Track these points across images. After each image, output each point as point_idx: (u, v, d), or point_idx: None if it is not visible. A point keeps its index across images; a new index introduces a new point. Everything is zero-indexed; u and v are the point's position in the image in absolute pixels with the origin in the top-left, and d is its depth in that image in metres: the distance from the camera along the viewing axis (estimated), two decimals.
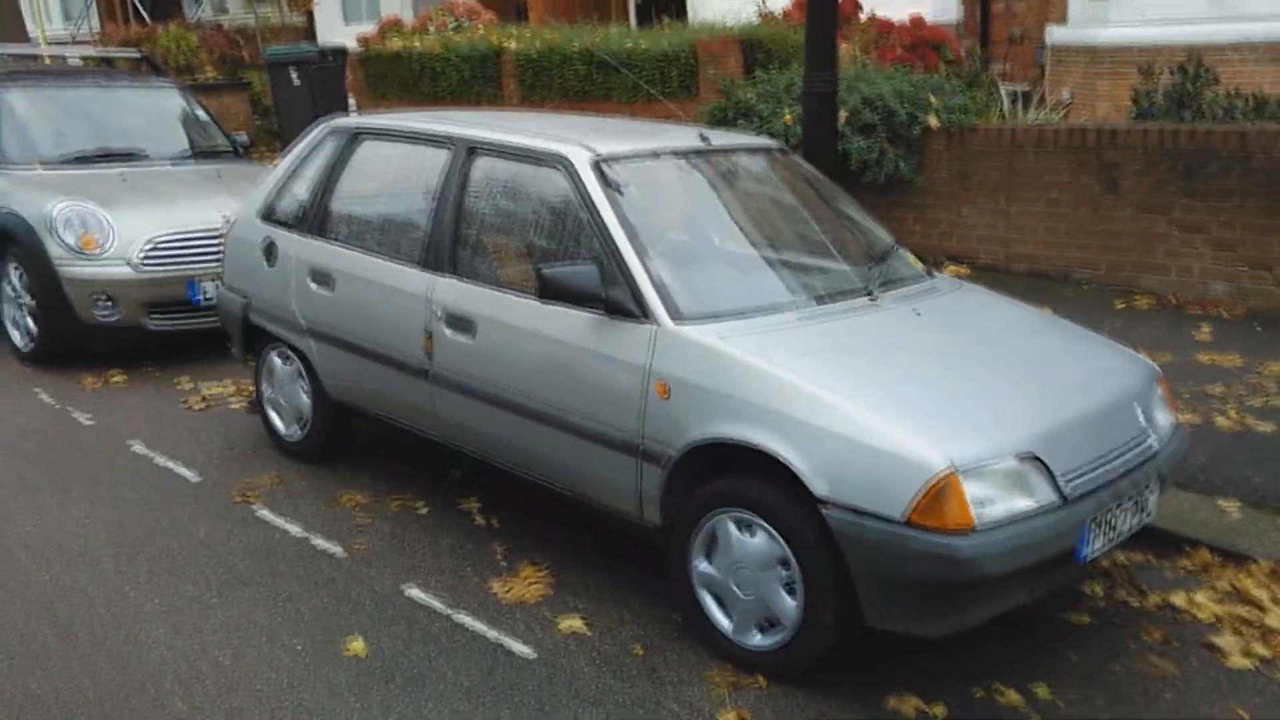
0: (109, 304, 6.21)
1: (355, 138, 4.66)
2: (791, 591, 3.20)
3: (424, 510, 4.50)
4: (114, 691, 3.28)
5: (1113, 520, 3.27)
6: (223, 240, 5.33)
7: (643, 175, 3.89)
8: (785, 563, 3.19)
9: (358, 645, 3.51)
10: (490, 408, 3.92)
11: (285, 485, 4.77)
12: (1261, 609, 3.71)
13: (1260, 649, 3.48)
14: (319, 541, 4.24)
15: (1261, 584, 3.83)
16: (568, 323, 3.65)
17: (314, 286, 4.63)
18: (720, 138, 4.36)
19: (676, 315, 3.43)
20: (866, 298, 3.77)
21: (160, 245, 6.24)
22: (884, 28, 9.77)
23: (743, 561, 3.27)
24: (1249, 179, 6.14)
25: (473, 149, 4.14)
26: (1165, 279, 6.58)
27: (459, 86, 10.54)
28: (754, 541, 3.25)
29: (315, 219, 4.68)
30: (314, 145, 4.85)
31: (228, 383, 6.12)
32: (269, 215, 4.93)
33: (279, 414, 5.07)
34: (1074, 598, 3.79)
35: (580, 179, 3.75)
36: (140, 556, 4.13)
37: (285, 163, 4.99)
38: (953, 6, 11.67)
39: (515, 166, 4.07)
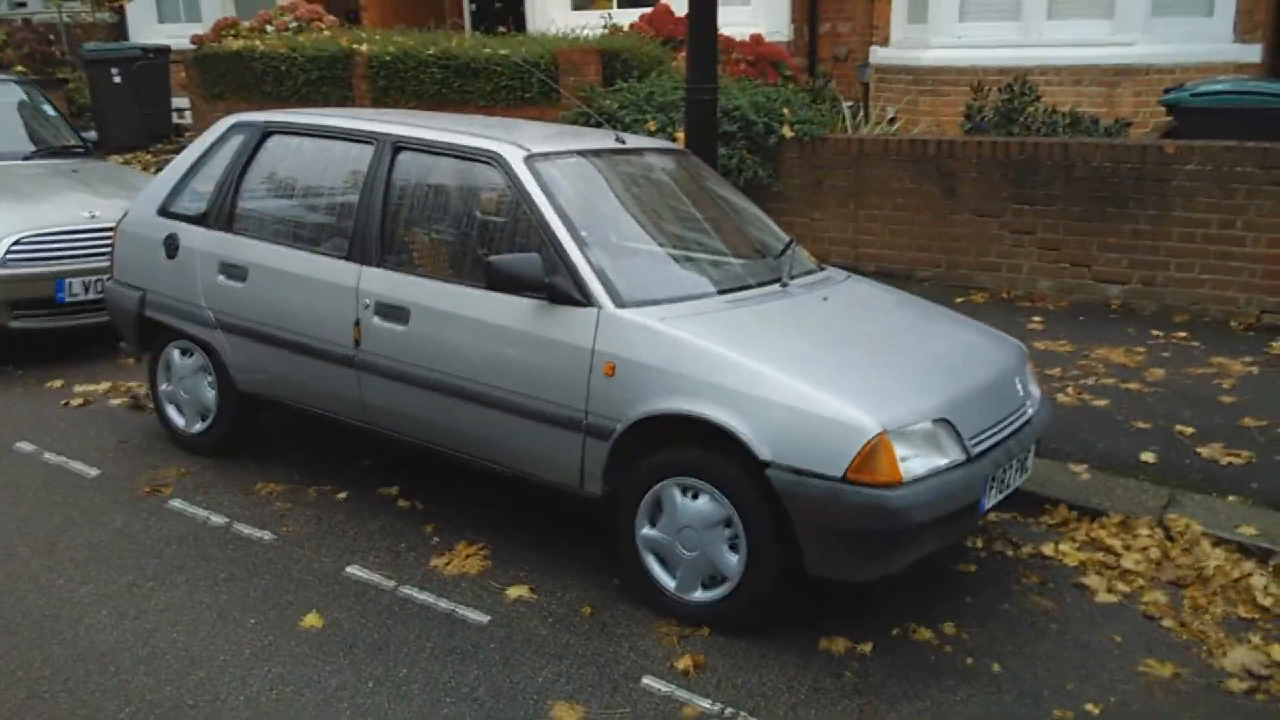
0: None
1: (265, 134, 4.70)
2: (734, 549, 3.51)
3: (343, 496, 4.59)
4: (73, 670, 3.28)
5: (1004, 477, 3.74)
6: (111, 236, 5.23)
7: (571, 171, 4.14)
8: (728, 523, 3.50)
9: (312, 618, 3.61)
10: (425, 392, 4.07)
11: (193, 477, 4.75)
12: (1117, 554, 4.26)
13: (1121, 586, 4.02)
14: (244, 528, 4.28)
15: (1114, 534, 4.40)
16: (509, 309, 3.85)
17: (223, 280, 4.65)
18: (633, 140, 4.65)
19: (618, 300, 3.70)
20: (779, 285, 4.14)
21: (25, 243, 6.04)
22: (727, 44, 10.27)
23: (688, 524, 3.56)
24: (1071, 186, 6.89)
25: (399, 145, 4.28)
26: (998, 276, 7.28)
27: (304, 88, 10.42)
28: (698, 505, 3.54)
29: (223, 213, 4.69)
30: (217, 140, 4.86)
31: (103, 382, 5.96)
32: (168, 210, 4.90)
33: (179, 408, 5.02)
34: (960, 552, 4.25)
35: (516, 174, 3.96)
36: (59, 548, 4.07)
37: (184, 158, 4.97)
38: (784, 26, 12.32)
39: (444, 162, 4.25)
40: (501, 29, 12.08)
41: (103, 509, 4.42)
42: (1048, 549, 4.28)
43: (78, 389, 5.85)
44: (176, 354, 4.96)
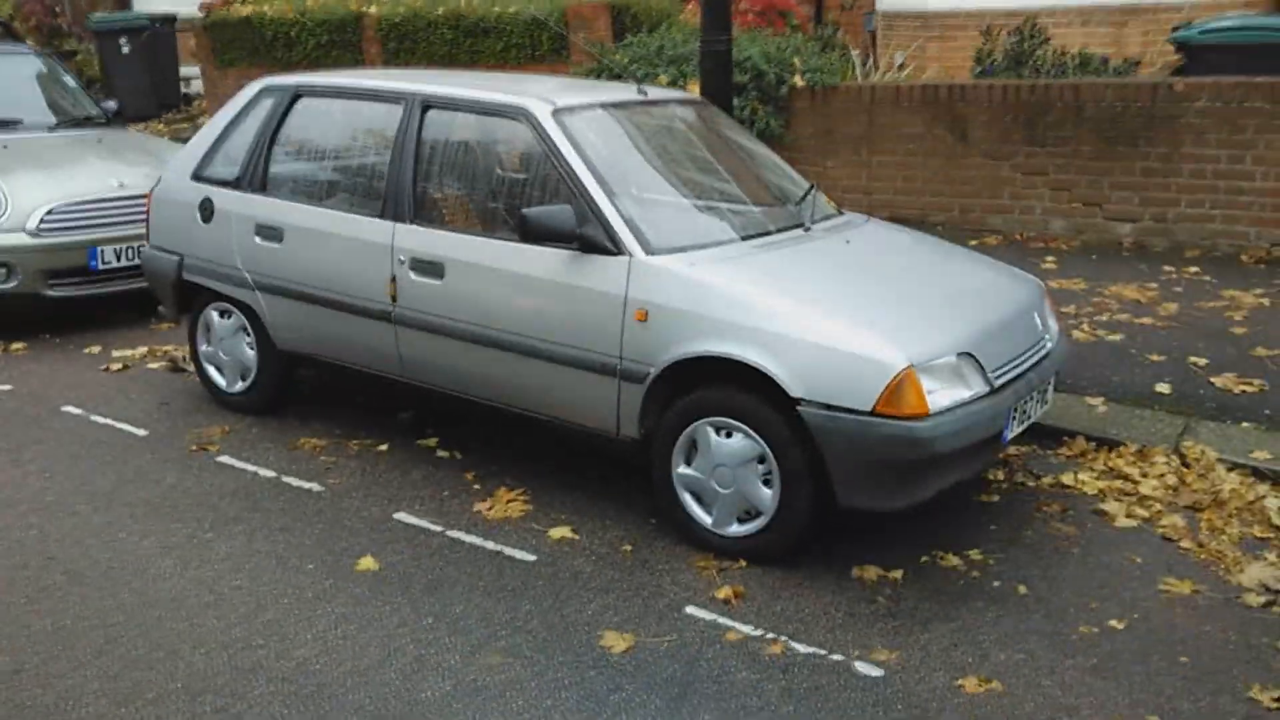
0: (6, 273, 6.09)
1: (295, 97, 4.81)
2: (768, 484, 3.66)
3: (384, 448, 4.75)
4: (145, 615, 3.45)
5: (1026, 408, 3.88)
6: (141, 203, 5.35)
7: (597, 124, 4.25)
8: (762, 459, 3.65)
9: (368, 562, 3.78)
10: (461, 344, 4.21)
11: (238, 434, 4.91)
12: (1134, 481, 4.41)
13: (1140, 511, 4.17)
14: (293, 480, 4.44)
15: (1131, 462, 4.54)
16: (542, 260, 3.98)
17: (259, 241, 4.78)
18: (656, 91, 4.76)
19: (648, 248, 3.82)
20: (802, 230, 4.26)
21: (59, 213, 6.18)
22: None
23: (723, 461, 3.71)
24: (1082, 127, 6.97)
25: (427, 104, 4.39)
26: (1010, 218, 7.38)
27: (316, 52, 10.50)
28: (732, 443, 3.69)
29: (257, 176, 4.81)
30: (247, 104, 4.96)
31: (139, 347, 6.11)
32: (201, 175, 5.02)
33: (219, 369, 5.18)
34: (983, 483, 4.40)
35: (544, 129, 4.08)
36: (117, 504, 4.24)
37: (214, 122, 5.08)
38: None
39: (473, 119, 4.36)
40: None
41: (154, 466, 4.58)
42: (1067, 479, 4.43)
43: (115, 354, 6.00)
44: (215, 316, 5.10)
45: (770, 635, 3.35)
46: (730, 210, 4.29)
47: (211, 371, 5.21)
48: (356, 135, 4.73)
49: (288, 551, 3.87)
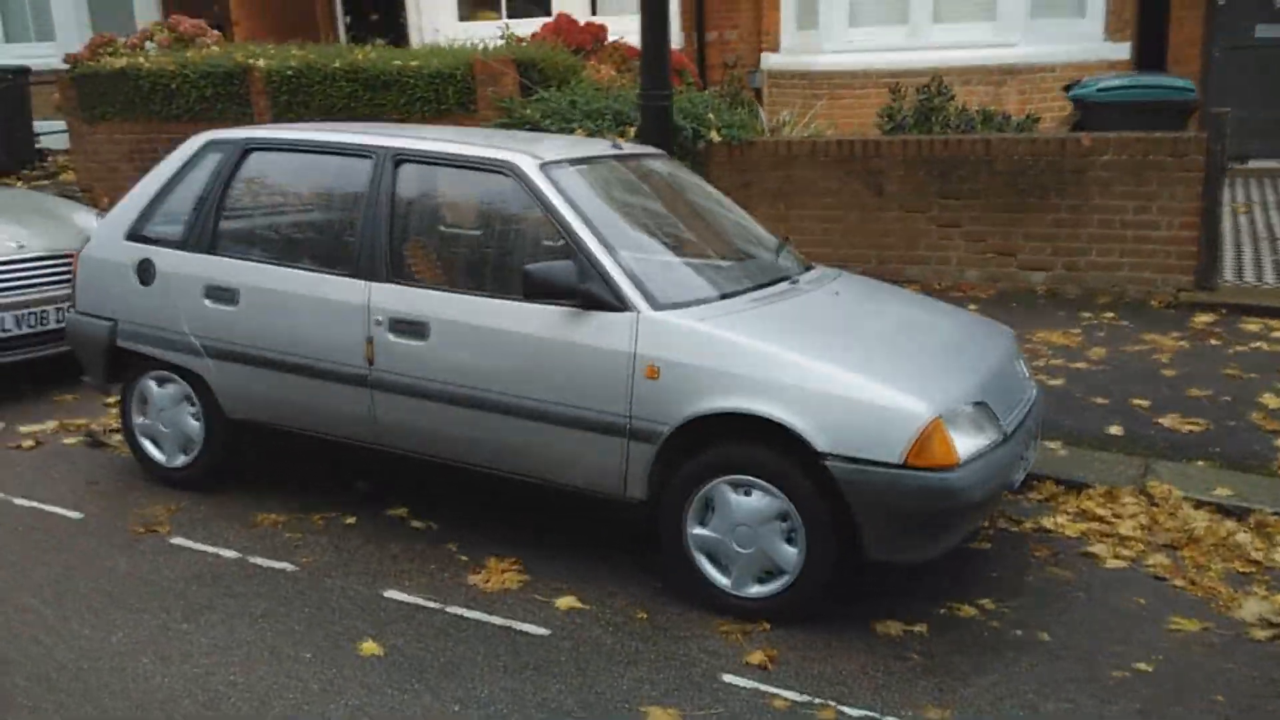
0: None
1: (245, 152, 4.54)
2: (790, 541, 3.59)
3: (352, 521, 4.47)
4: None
5: (1026, 454, 3.93)
6: (72, 263, 4.95)
7: (582, 178, 4.14)
8: (783, 516, 3.57)
9: (370, 646, 3.51)
10: (449, 407, 4.01)
11: (185, 513, 4.55)
12: (1109, 522, 4.51)
13: (1125, 551, 4.25)
14: (260, 560, 4.13)
15: (1101, 504, 4.65)
16: (538, 318, 3.83)
17: (210, 304, 4.46)
18: (627, 146, 4.69)
19: (654, 304, 3.73)
20: (789, 283, 4.24)
21: None
22: (631, 52, 10.39)
23: (743, 520, 3.62)
24: (994, 180, 7.23)
25: (400, 158, 4.21)
26: (927, 268, 7.58)
27: (198, 105, 10.03)
28: (751, 501, 3.60)
29: (205, 234, 4.51)
30: (189, 160, 4.66)
31: (47, 421, 5.63)
32: (139, 234, 4.68)
33: (157, 442, 4.79)
34: (971, 531, 4.43)
35: (533, 183, 3.95)
36: (69, 596, 3.85)
37: (152, 179, 4.75)
38: (675, 34, 12.51)
39: (452, 173, 4.20)
40: (379, 40, 11.87)
41: (101, 552, 4.19)
42: (1047, 522, 4.50)
43: (23, 429, 5.51)
44: (153, 385, 4.73)
45: (818, 700, 3.25)
46: (721, 264, 4.25)
47: (148, 445, 4.82)
48: (319, 191, 4.50)
49: (278, 639, 3.57)
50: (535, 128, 8.18)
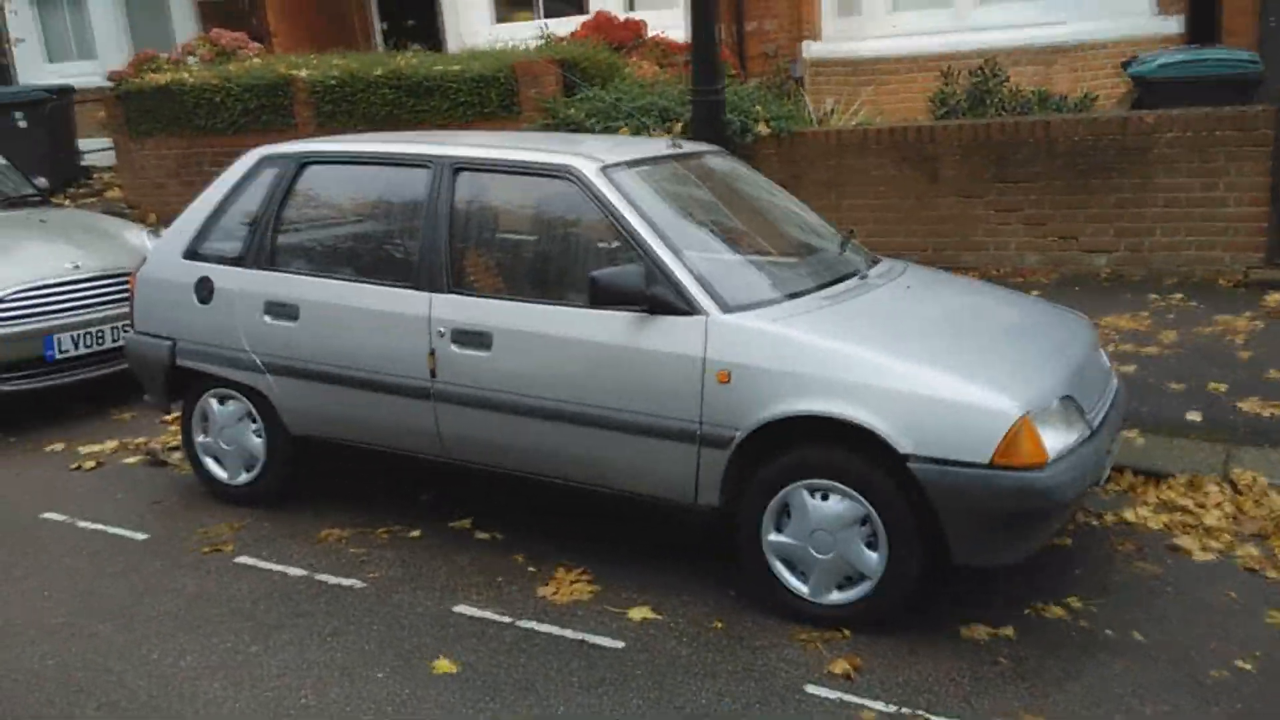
0: None
1: (302, 166, 4.49)
2: (871, 546, 3.48)
3: (417, 535, 4.42)
4: None
5: (1111, 447, 3.78)
6: (129, 283, 4.94)
7: (644, 180, 4.05)
8: (863, 520, 3.46)
9: (444, 664, 3.45)
10: (514, 417, 3.94)
11: (250, 531, 4.52)
12: (1193, 513, 4.36)
13: (1213, 544, 4.10)
14: (328, 578, 4.08)
15: (1183, 494, 4.50)
16: (605, 324, 3.75)
17: (270, 320, 4.43)
18: (687, 144, 4.60)
19: (724, 306, 3.63)
20: (859, 279, 4.12)
21: (10, 301, 5.69)
22: (672, 47, 10.30)
23: (821, 526, 3.51)
24: (1053, 162, 7.05)
25: (459, 167, 4.14)
26: (985, 255, 7.41)
27: (242, 118, 10.07)
28: (830, 505, 3.49)
29: (264, 251, 4.48)
30: (244, 176, 4.63)
31: (106, 441, 5.64)
32: (196, 252, 4.65)
33: (219, 460, 4.77)
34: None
35: (595, 188, 3.86)
36: (138, 620, 3.82)
37: (207, 197, 4.73)
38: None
39: (511, 181, 4.13)
40: (415, 46, 11.86)
41: (168, 573, 4.17)
42: (1129, 515, 4.36)
43: (83, 450, 5.52)
44: (214, 403, 4.71)
45: (906, 710, 3.14)
46: (788, 261, 4.14)
47: (210, 464, 4.80)
48: (377, 203, 4.45)
49: (349, 659, 3.52)
50: (579, 128, 8.12)
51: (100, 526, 4.62)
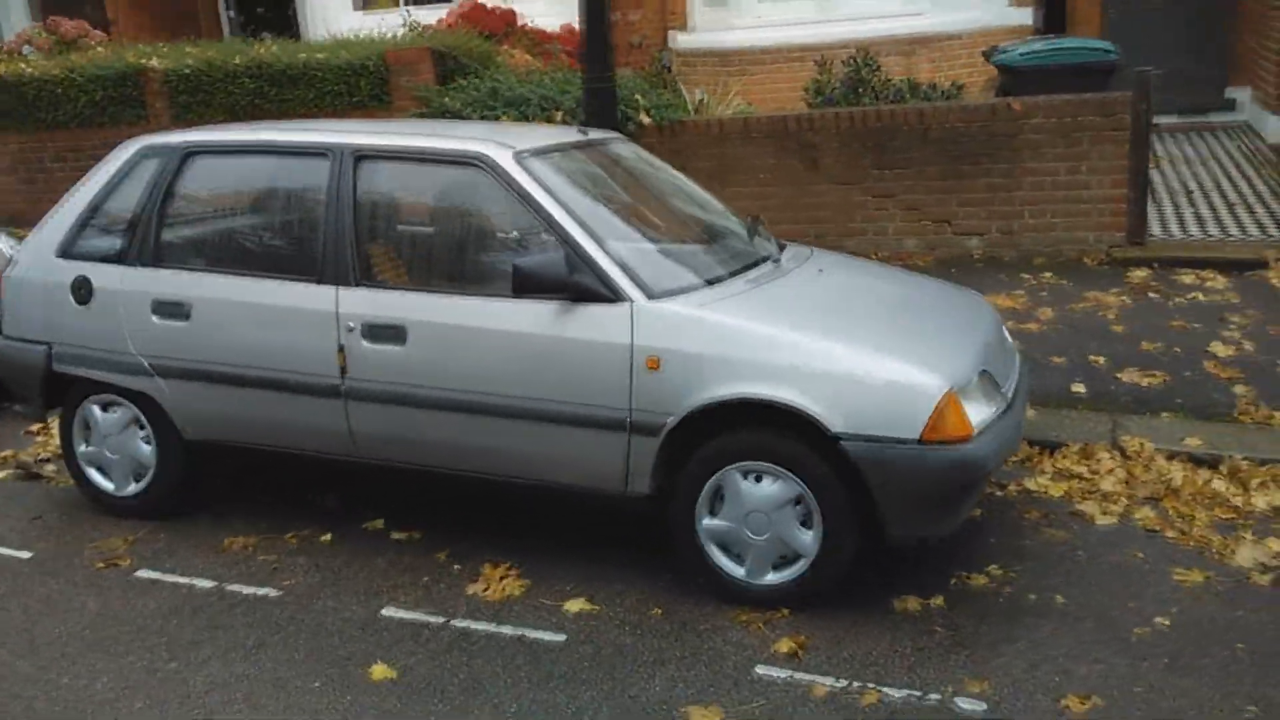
0: None
1: (186, 157, 4.25)
2: (806, 525, 3.51)
3: (328, 539, 4.25)
4: None
5: (1021, 419, 3.92)
6: None
7: (558, 167, 3.98)
8: (797, 500, 3.50)
9: (381, 670, 3.33)
10: (432, 412, 3.83)
11: (144, 543, 4.27)
12: (1089, 480, 4.56)
13: (1113, 508, 4.29)
14: (239, 588, 3.89)
15: (1077, 462, 4.69)
16: (526, 315, 3.67)
17: (158, 321, 4.18)
18: (592, 131, 4.54)
19: (649, 293, 3.60)
20: (772, 263, 4.16)
21: None
22: (543, 36, 10.20)
23: (755, 508, 3.52)
24: (927, 149, 7.27)
25: (360, 155, 3.98)
26: (865, 239, 7.59)
27: (88, 110, 9.49)
28: (764, 488, 3.51)
29: (148, 247, 4.22)
30: (121, 168, 4.35)
31: None
32: (71, 251, 4.35)
33: (104, 470, 4.49)
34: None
35: (509, 175, 3.78)
36: (40, 644, 3.56)
37: (81, 192, 4.42)
38: (575, 16, 12.31)
39: (417, 169, 4.00)
40: (265, 36, 11.43)
41: (63, 593, 3.90)
42: (1030, 484, 4.52)
43: None
44: (97, 410, 4.42)
45: (856, 684, 3.19)
46: (703, 247, 4.14)
47: (94, 475, 4.51)
48: (271, 194, 4.24)
49: (279, 671, 3.36)
50: (456, 117, 7.95)
51: None
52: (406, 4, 12.47)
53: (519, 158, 3.84)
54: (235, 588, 3.89)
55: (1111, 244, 7.13)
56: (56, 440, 5.33)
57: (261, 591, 3.85)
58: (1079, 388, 5.27)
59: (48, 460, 5.18)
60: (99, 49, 10.15)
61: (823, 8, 10.76)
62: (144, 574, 4.02)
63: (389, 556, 4.09)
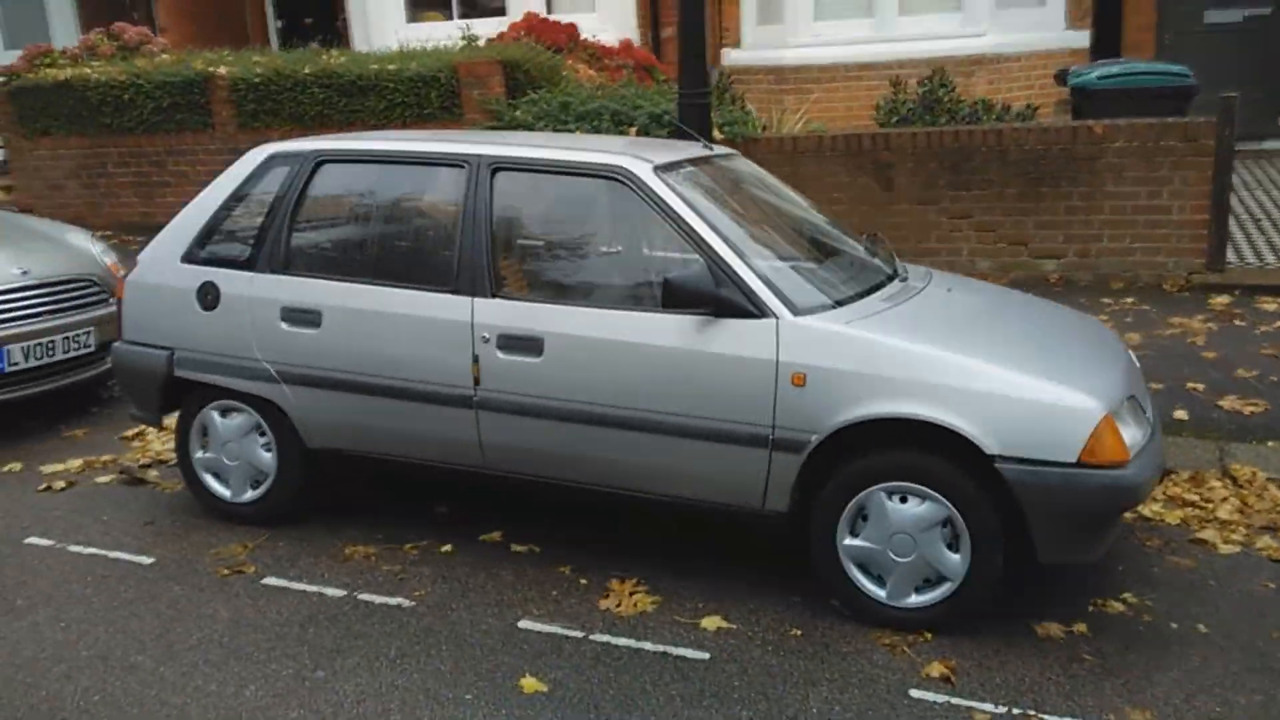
0: None
1: (318, 164, 4.26)
2: (952, 548, 3.50)
3: (448, 549, 4.24)
4: None
5: (1160, 446, 3.90)
6: (116, 290, 4.61)
7: (694, 182, 3.99)
8: (945, 522, 3.48)
9: (532, 683, 3.31)
10: (567, 425, 3.82)
11: (265, 551, 4.26)
12: (1203, 507, 4.54)
13: (1233, 537, 4.27)
14: (371, 597, 3.88)
15: (1190, 490, 4.68)
16: (668, 328, 3.67)
17: (286, 327, 4.18)
18: (715, 148, 4.55)
19: (794, 309, 3.60)
20: (900, 281, 4.15)
21: None
22: (604, 51, 10.23)
23: (901, 529, 3.51)
24: (1005, 170, 7.27)
25: (497, 167, 3.99)
26: (938, 260, 7.57)
27: (154, 116, 9.56)
28: (909, 508, 3.50)
29: (278, 254, 4.23)
30: (251, 175, 4.36)
31: (70, 460, 5.24)
32: (197, 256, 4.37)
33: (222, 477, 4.49)
34: None
35: (650, 188, 3.78)
36: (179, 650, 3.55)
37: (207, 198, 4.43)
38: (632, 30, 12.36)
39: (555, 181, 4.01)
40: (312, 44, 11.50)
41: (191, 599, 3.89)
42: (1145, 511, 4.50)
43: (46, 470, 5.12)
44: (216, 416, 4.43)
45: (1016, 710, 3.17)
46: (835, 264, 4.13)
47: (210, 481, 4.51)
48: (405, 204, 4.25)
49: (428, 681, 3.35)
50: (528, 130, 7.97)
51: (96, 550, 4.29)
52: (457, 15, 12.51)
53: (658, 171, 3.85)
54: (367, 596, 3.88)
55: (1191, 270, 7.12)
56: (156, 445, 5.40)
57: (394, 601, 3.84)
58: (1181, 414, 5.25)
59: (149, 465, 5.18)
60: (164, 56, 10.21)
61: (881, 27, 10.79)
62: (270, 581, 4.01)
63: (512, 569, 4.07)
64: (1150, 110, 7.30)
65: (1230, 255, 7.44)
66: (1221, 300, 6.84)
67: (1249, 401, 5.34)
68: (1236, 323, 6.48)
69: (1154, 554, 4.17)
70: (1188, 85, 7.48)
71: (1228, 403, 5.34)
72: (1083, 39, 10.73)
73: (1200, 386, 5.55)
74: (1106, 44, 10.83)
